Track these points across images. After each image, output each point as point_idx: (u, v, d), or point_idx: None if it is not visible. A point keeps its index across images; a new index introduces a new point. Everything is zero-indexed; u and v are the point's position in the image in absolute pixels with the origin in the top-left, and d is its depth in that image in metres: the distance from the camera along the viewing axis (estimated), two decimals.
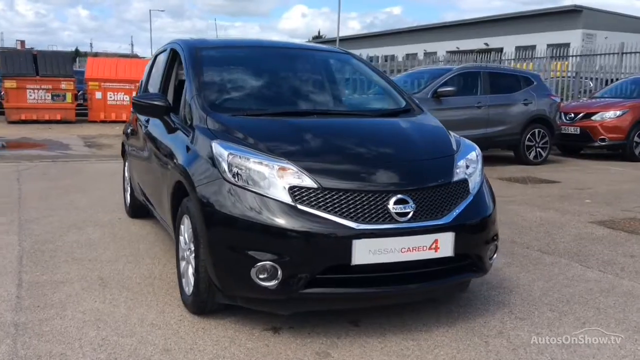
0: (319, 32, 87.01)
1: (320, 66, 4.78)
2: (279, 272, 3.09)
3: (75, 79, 19.06)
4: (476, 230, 3.47)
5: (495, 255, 3.66)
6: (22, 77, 18.20)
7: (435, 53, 28.70)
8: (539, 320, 3.66)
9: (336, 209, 3.13)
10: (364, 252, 3.11)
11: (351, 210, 3.14)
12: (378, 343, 3.29)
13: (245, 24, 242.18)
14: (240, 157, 3.29)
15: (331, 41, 53.44)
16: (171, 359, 3.07)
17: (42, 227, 5.66)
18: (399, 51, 35.90)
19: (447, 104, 10.23)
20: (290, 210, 3.12)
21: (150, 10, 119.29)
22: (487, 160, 10.97)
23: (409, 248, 3.19)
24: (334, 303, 3.30)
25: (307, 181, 3.18)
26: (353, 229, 3.10)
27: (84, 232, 5.50)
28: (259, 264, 3.09)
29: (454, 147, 3.77)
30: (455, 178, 3.50)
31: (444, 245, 3.27)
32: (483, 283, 4.25)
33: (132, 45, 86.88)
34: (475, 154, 3.83)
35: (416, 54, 33.21)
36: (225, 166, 3.28)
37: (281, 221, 3.09)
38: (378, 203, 3.19)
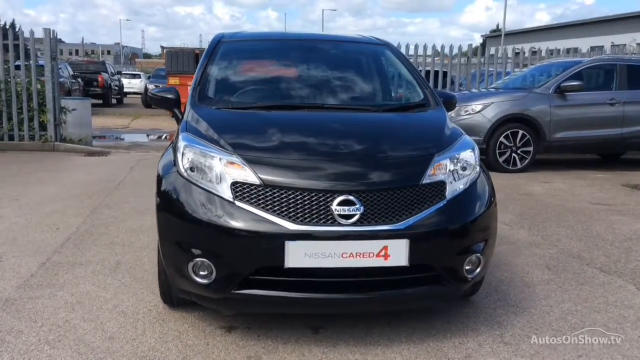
0: (497, 26, 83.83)
1: (341, 58, 4.57)
2: (213, 270, 2.99)
3: None
4: (442, 239, 3.09)
5: (479, 269, 3.23)
6: (183, 75, 19.58)
7: (624, 45, 26.21)
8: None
9: (275, 208, 2.96)
10: (299, 255, 2.91)
11: (290, 210, 2.95)
12: (321, 354, 3.08)
13: (425, 19, 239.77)
14: (194, 150, 3.24)
15: (511, 34, 51.16)
16: (110, 346, 3.11)
17: (112, 212, 6.05)
18: (584, 44, 33.10)
19: (574, 101, 9.33)
20: (227, 206, 3.00)
21: (322, 10, 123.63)
22: (619, 164, 9.95)
23: (351, 253, 2.92)
24: (269, 306, 3.10)
25: (252, 177, 3.04)
26: (287, 229, 2.91)
27: (142, 219, 5.77)
28: (195, 259, 3.02)
29: (442, 145, 3.39)
30: (427, 180, 3.14)
31: (396, 253, 2.95)
32: (495, 300, 3.82)
33: None
34: (469, 153, 3.43)
35: (602, 46, 30.49)
36: (180, 159, 3.25)
37: (215, 218, 2.99)
38: (321, 203, 2.96)
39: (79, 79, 22.39)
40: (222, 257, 2.99)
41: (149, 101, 4.33)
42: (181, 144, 3.33)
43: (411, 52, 12.52)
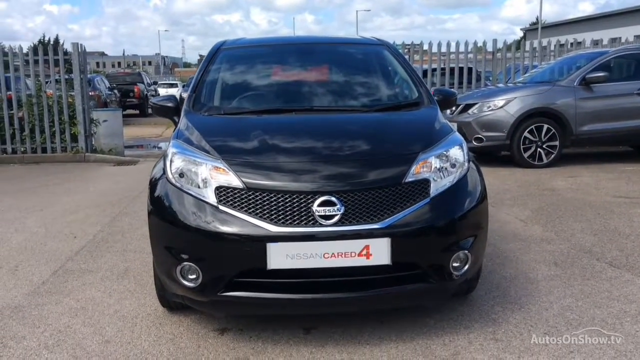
0: (537, 18, 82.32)
1: (337, 61, 4.59)
2: (200, 273, 3.05)
3: None
4: (425, 237, 3.07)
5: (467, 266, 3.20)
6: None
7: None
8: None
9: (257, 210, 3.00)
10: (281, 257, 2.94)
11: (272, 212, 2.99)
12: (309, 354, 3.10)
13: (464, 15, 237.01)
14: (183, 157, 3.30)
15: (552, 26, 50.21)
16: (105, 350, 3.20)
17: (130, 220, 6.19)
18: (629, 33, 32.14)
19: (600, 92, 9.11)
20: (211, 211, 3.06)
21: (357, 12, 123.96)
22: None
23: (333, 254, 2.94)
24: (255, 308, 3.14)
25: (235, 181, 3.09)
26: (269, 231, 2.94)
27: None
28: (183, 263, 3.09)
29: (428, 143, 3.37)
30: (410, 179, 3.13)
31: (378, 252, 2.96)
32: (494, 297, 3.79)
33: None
34: (456, 150, 3.41)
35: None
36: (169, 165, 3.32)
37: (200, 222, 3.05)
38: (302, 205, 2.98)
39: (115, 91, 22.89)
40: (207, 260, 3.04)
41: (151, 110, 4.42)
42: (170, 151, 3.40)
43: (443, 49, 12.33)
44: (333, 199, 2.98)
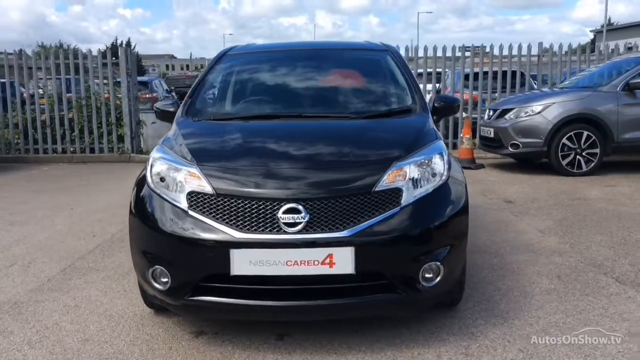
0: (609, 19, 79.48)
1: (335, 67, 4.57)
2: (169, 277, 3.11)
3: None
4: (392, 247, 3.02)
5: (439, 278, 3.14)
6: None
7: None
8: None
9: (224, 216, 3.04)
10: (244, 263, 2.96)
11: (239, 218, 3.02)
12: None
13: (534, 16, 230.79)
14: (163, 162, 3.38)
15: (622, 28, 48.43)
16: (81, 348, 3.30)
17: None
18: None
19: None
20: (181, 215, 3.11)
21: (418, 13, 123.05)
22: None
23: (296, 261, 2.94)
24: (221, 313, 3.17)
25: (207, 187, 3.14)
26: (233, 237, 2.97)
27: None
28: (155, 266, 3.16)
29: (407, 151, 3.32)
30: (381, 187, 3.10)
31: (341, 260, 2.94)
32: (481, 310, 3.70)
33: (409, 49, 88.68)
34: (435, 158, 3.34)
35: None
36: (149, 169, 3.40)
37: (169, 226, 3.11)
38: (268, 211, 3.00)
39: (173, 93, 23.46)
40: (175, 264, 3.10)
41: (155, 115, 4.52)
42: (151, 155, 3.49)
43: (505, 52, 11.95)
44: (298, 206, 2.98)
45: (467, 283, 4.12)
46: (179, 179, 3.24)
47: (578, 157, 8.71)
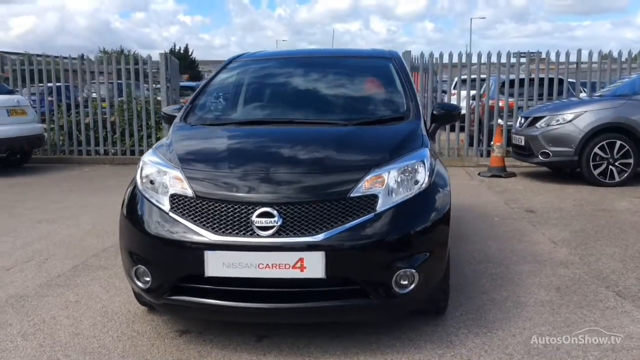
0: None
1: (335, 74, 4.63)
2: (150, 276, 3.23)
3: None
4: (364, 252, 3.05)
5: (414, 285, 3.14)
6: None
7: None
8: None
9: (201, 219, 3.13)
10: (218, 265, 3.05)
11: (215, 221, 3.11)
12: None
13: (594, 22, 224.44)
14: (152, 165, 3.50)
15: None
16: (69, 342, 3.44)
17: None
18: None
19: None
20: (162, 217, 3.22)
21: (471, 19, 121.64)
22: None
23: (267, 264, 3.01)
24: (198, 313, 3.27)
25: (188, 190, 3.24)
26: (208, 239, 3.06)
27: None
28: (138, 265, 3.28)
29: (388, 158, 3.34)
30: (356, 193, 3.14)
31: (312, 265, 2.99)
32: (467, 319, 3.68)
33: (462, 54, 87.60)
34: (417, 166, 3.35)
35: None
36: (138, 171, 3.53)
37: (151, 227, 3.23)
38: (242, 215, 3.08)
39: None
40: (155, 264, 3.22)
41: (162, 119, 4.67)
42: (142, 159, 3.61)
43: (562, 58, 11.66)
44: (271, 210, 3.05)
45: (462, 292, 4.13)
46: (165, 182, 3.35)
47: (610, 167, 8.48)
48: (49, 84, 12.64)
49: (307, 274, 3.00)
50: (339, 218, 3.07)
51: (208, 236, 3.06)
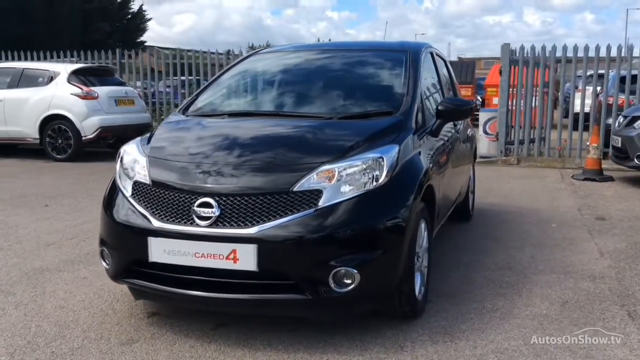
0: None
1: (336, 68, 4.53)
2: (109, 259, 3.40)
3: (473, 85, 19.86)
4: (298, 248, 3.00)
5: (354, 284, 3.02)
6: (462, 85, 19.82)
7: None
8: None
9: (152, 205, 3.24)
10: (159, 251, 3.14)
11: (162, 208, 3.20)
12: (189, 347, 3.23)
13: None
14: (127, 155, 3.66)
15: None
16: (52, 314, 3.69)
17: None
18: None
19: None
20: (122, 202, 3.38)
21: (627, 10, 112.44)
22: None
23: (202, 254, 3.05)
24: (147, 296, 3.41)
25: (147, 177, 3.37)
26: (151, 225, 3.16)
27: None
28: (102, 247, 3.47)
29: (345, 153, 3.25)
30: (300, 188, 3.08)
31: (244, 257, 2.99)
32: (439, 325, 3.49)
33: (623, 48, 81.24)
34: (373, 163, 3.22)
35: None
36: (118, 160, 3.70)
37: (111, 212, 3.40)
38: (185, 204, 3.15)
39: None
40: (111, 246, 3.39)
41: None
42: (123, 147, 3.78)
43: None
44: (211, 200, 3.08)
45: (454, 298, 3.96)
46: (136, 169, 3.50)
47: None
48: (182, 77, 13.55)
49: (240, 265, 3.01)
50: (279, 212, 3.04)
51: (153, 222, 3.16)
